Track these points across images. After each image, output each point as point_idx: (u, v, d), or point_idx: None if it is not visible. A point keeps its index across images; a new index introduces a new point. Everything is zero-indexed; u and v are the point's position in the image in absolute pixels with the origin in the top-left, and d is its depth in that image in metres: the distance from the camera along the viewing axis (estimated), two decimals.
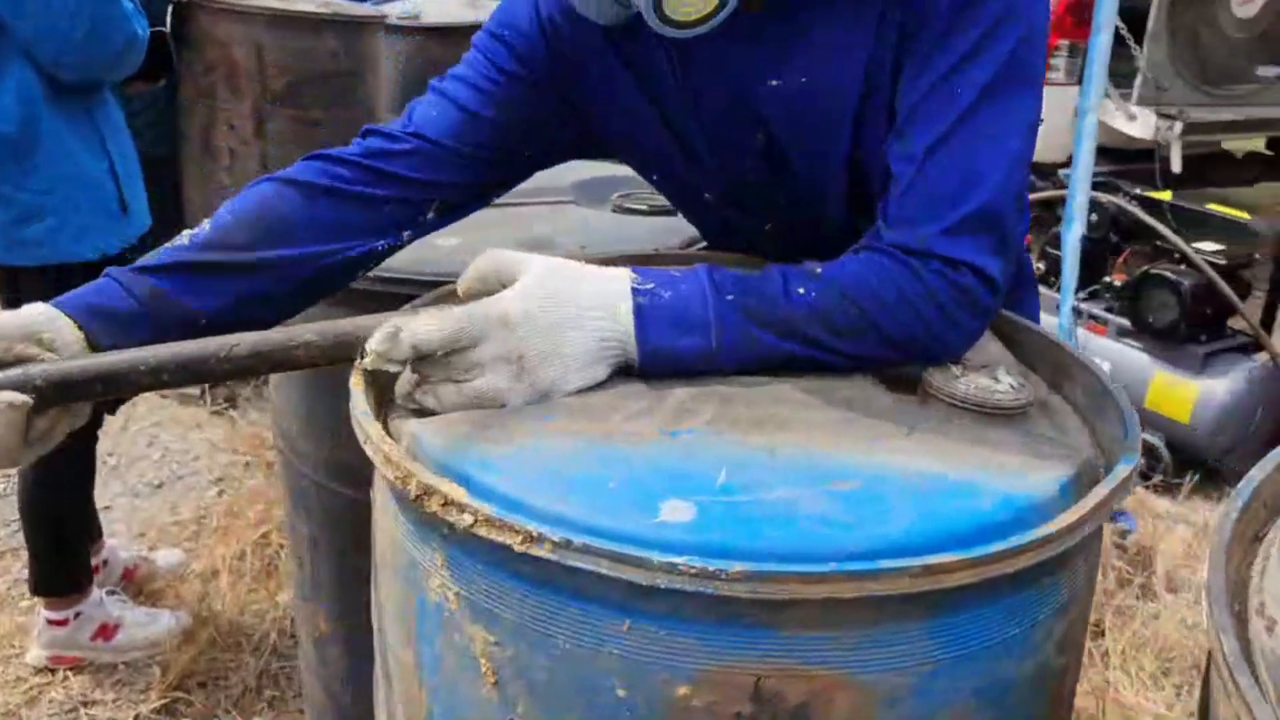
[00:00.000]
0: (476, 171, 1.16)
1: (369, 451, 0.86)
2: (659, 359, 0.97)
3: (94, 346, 0.97)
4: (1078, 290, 3.16)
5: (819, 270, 1.01)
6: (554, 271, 0.95)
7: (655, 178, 1.30)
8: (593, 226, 1.61)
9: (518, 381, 0.92)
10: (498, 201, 1.27)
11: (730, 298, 0.97)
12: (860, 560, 0.72)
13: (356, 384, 0.94)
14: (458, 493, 0.77)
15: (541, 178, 1.31)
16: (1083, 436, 0.97)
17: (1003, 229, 1.00)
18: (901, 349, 1.01)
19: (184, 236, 1.06)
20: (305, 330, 0.94)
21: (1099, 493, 0.81)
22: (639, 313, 0.95)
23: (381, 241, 1.12)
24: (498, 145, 1.16)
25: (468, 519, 0.76)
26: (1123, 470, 0.84)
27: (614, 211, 1.66)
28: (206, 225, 1.07)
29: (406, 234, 1.15)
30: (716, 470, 0.83)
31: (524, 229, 1.54)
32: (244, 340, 0.94)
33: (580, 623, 0.76)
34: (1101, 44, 2.86)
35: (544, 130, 1.19)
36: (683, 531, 0.76)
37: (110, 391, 0.92)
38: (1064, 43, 4.53)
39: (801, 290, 0.98)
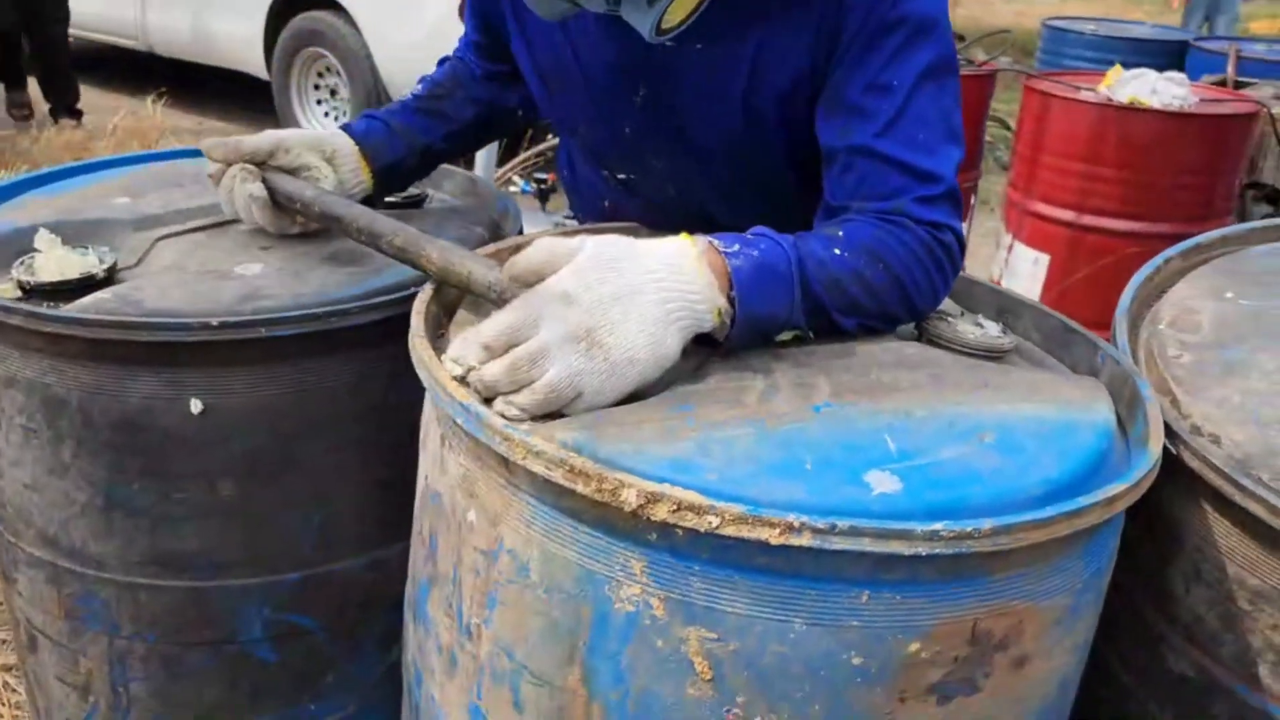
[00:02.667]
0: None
1: (536, 466, 0.78)
2: (752, 325, 0.95)
3: (364, 156, 1.34)
4: None
5: (838, 232, 1.05)
6: (611, 243, 0.93)
7: (548, 94, 1.35)
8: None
9: (589, 360, 0.87)
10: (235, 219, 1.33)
11: (801, 260, 0.99)
12: (1047, 501, 0.79)
13: (461, 394, 0.86)
14: (693, 497, 0.75)
15: None
16: (1057, 364, 1.12)
17: (957, 193, 1.13)
18: (913, 306, 1.09)
19: (409, 95, 1.44)
20: (434, 247, 1.04)
21: (1155, 416, 0.94)
22: (737, 277, 0.93)
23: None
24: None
25: (713, 520, 0.74)
26: (1146, 390, 0.98)
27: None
28: (420, 88, 1.44)
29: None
30: (880, 439, 0.87)
31: (320, 241, 1.32)
32: (401, 232, 1.09)
33: (819, 603, 0.77)
34: None
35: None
36: (904, 500, 0.80)
37: (325, 224, 1.22)
38: None
39: (838, 251, 1.02)
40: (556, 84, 1.30)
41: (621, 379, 0.88)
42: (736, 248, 0.96)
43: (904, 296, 1.07)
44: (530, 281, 0.92)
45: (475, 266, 1.01)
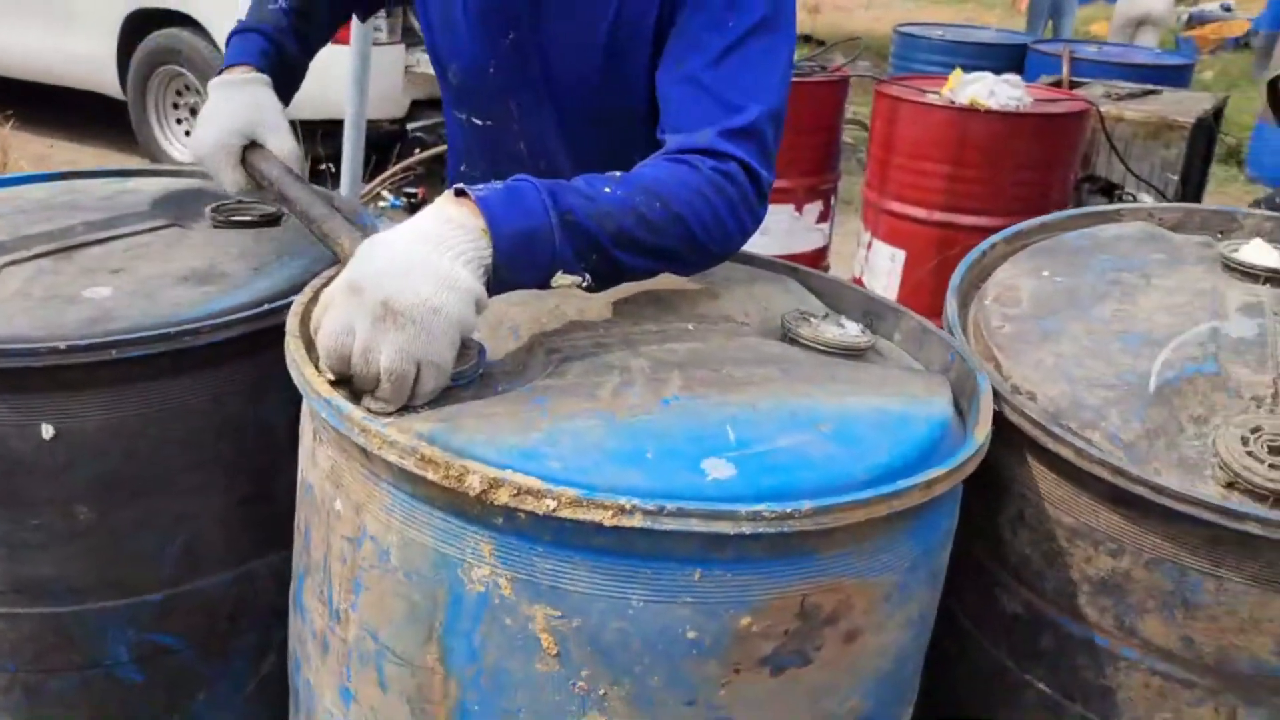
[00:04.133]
0: None
1: (392, 456, 0.83)
2: (513, 245, 0.96)
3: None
4: None
5: (618, 175, 1.08)
6: (377, 234, 0.97)
7: (429, 38, 1.42)
8: (226, 246, 1.38)
9: (401, 330, 0.89)
10: (82, 242, 1.34)
11: (553, 190, 1.00)
12: (872, 485, 0.86)
13: (329, 391, 0.90)
14: (532, 482, 0.80)
15: (117, 206, 1.47)
16: (914, 362, 1.19)
17: (765, 141, 1.18)
18: (700, 244, 1.10)
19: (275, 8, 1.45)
20: (347, 237, 1.10)
21: (986, 405, 1.02)
22: (481, 202, 0.96)
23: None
24: None
25: (550, 504, 0.79)
26: (984, 384, 1.05)
27: (217, 227, 1.46)
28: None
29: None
30: (722, 429, 0.92)
31: (168, 261, 1.32)
32: (326, 219, 1.15)
33: (654, 581, 0.83)
34: None
35: None
36: (737, 484, 0.85)
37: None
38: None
39: (608, 189, 1.04)
40: (440, 19, 1.37)
41: (437, 330, 0.90)
42: (482, 187, 0.99)
43: (687, 233, 1.08)
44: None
45: (348, 233, 1.08)
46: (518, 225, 0.97)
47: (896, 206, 3.37)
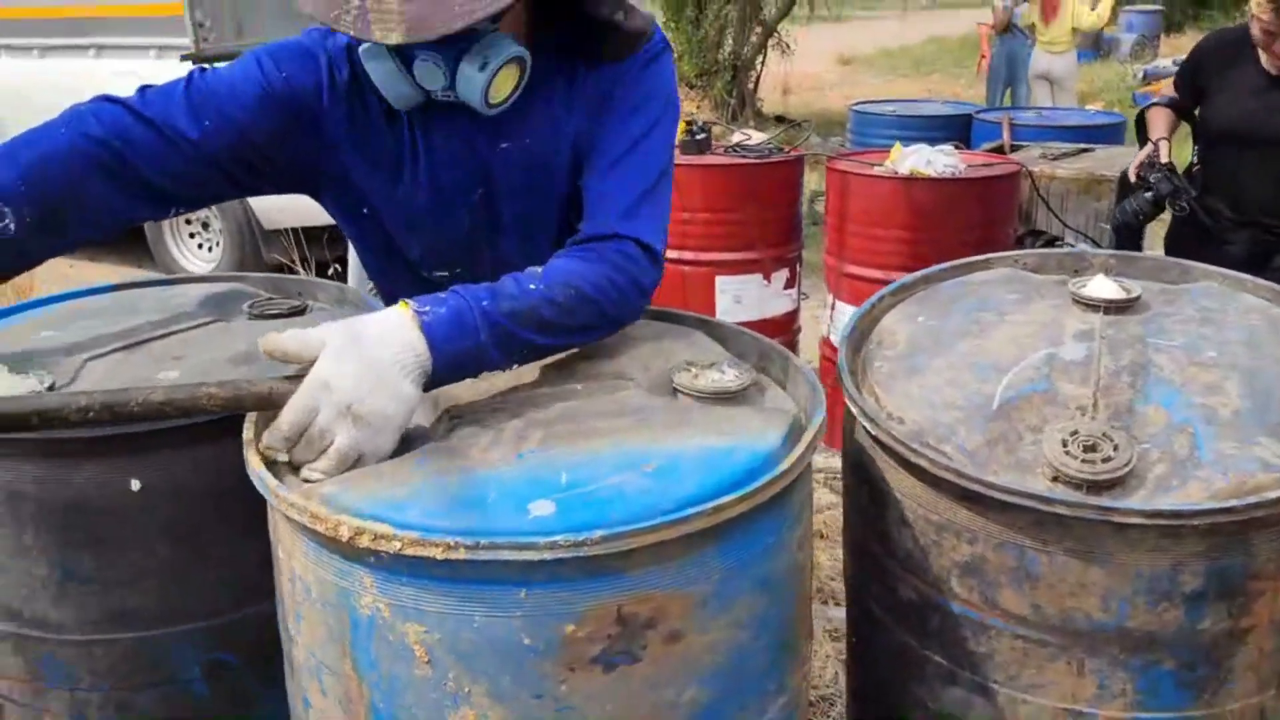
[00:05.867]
0: (210, 172, 1.27)
1: (293, 515, 0.99)
2: (449, 362, 1.10)
3: None
4: None
5: (539, 270, 1.19)
6: (344, 328, 1.08)
7: (370, 222, 1.41)
8: (264, 334, 1.41)
9: (358, 429, 1.03)
10: (145, 339, 1.44)
11: (485, 303, 1.12)
12: (673, 512, 0.96)
13: (258, 464, 1.06)
14: (384, 528, 0.93)
15: (169, 308, 1.54)
16: (788, 401, 1.27)
17: (655, 213, 1.31)
18: (608, 317, 1.23)
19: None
20: (210, 385, 1.09)
21: (807, 438, 1.11)
22: (426, 329, 1.08)
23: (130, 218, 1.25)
24: (241, 158, 1.28)
25: (397, 544, 0.92)
26: (818, 418, 1.14)
27: (254, 319, 1.63)
28: (9, 217, 1.15)
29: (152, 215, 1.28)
30: (558, 474, 1.03)
31: (221, 349, 1.49)
32: (158, 389, 1.08)
33: (489, 600, 0.94)
34: None
35: (278, 159, 1.31)
36: (552, 520, 0.96)
37: (45, 427, 1.07)
38: None
39: (532, 286, 1.16)
40: (387, 193, 1.36)
41: (385, 433, 1.06)
42: (428, 307, 1.10)
43: (599, 311, 1.21)
44: (283, 360, 1.08)
45: (254, 388, 1.12)
46: (457, 347, 1.10)
47: (855, 269, 3.49)
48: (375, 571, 0.97)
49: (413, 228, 1.40)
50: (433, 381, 1.11)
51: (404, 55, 1.22)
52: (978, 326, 1.44)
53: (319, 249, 4.55)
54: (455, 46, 1.17)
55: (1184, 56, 3.03)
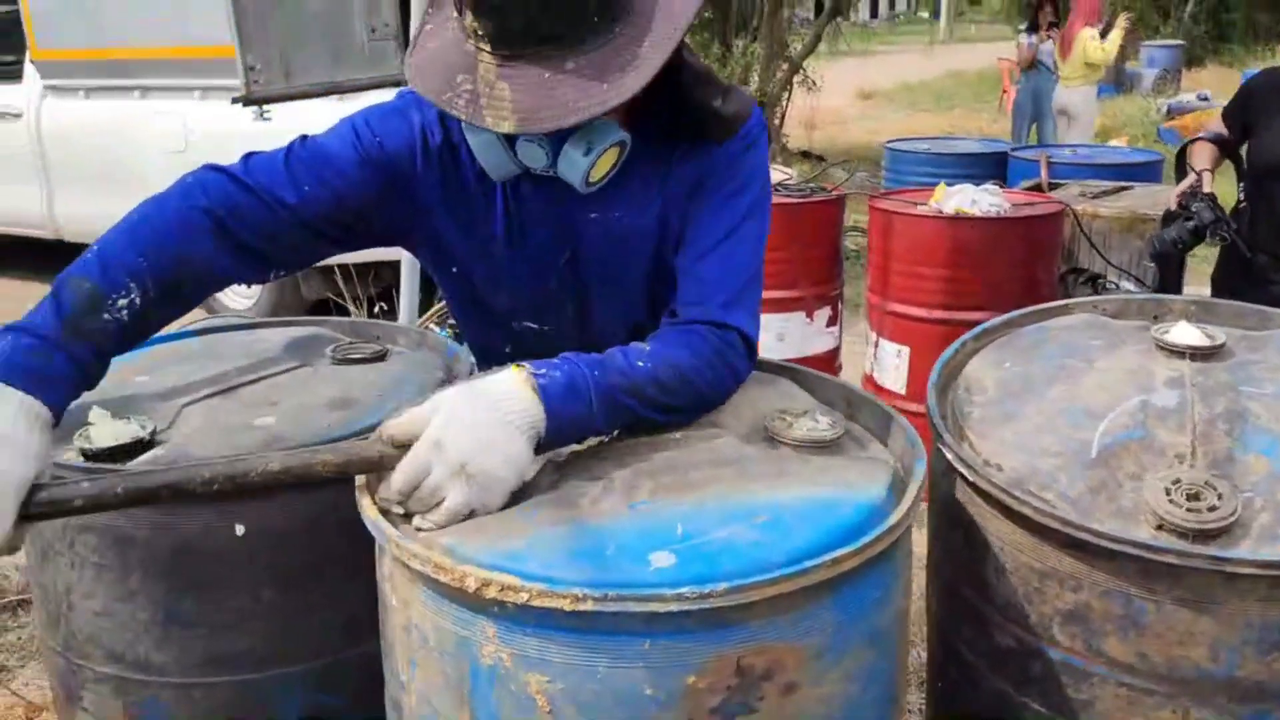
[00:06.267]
0: (311, 238, 1.30)
1: (415, 564, 1.00)
2: (561, 425, 1.11)
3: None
4: None
5: (646, 347, 1.22)
6: (457, 392, 1.11)
7: (461, 278, 1.43)
8: (350, 379, 1.61)
9: (469, 487, 1.05)
10: (237, 384, 1.49)
11: (596, 373, 1.15)
12: (789, 565, 0.97)
13: (374, 512, 1.08)
14: (511, 580, 0.95)
15: (253, 353, 1.59)
16: (883, 450, 1.28)
17: (752, 304, 1.33)
18: (705, 400, 1.26)
19: (117, 311, 1.16)
20: (323, 452, 1.11)
21: (912, 490, 1.11)
22: (542, 391, 1.10)
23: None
24: (338, 221, 1.31)
25: (524, 595, 0.94)
26: (920, 470, 1.15)
27: (336, 364, 1.66)
28: (135, 298, 1.17)
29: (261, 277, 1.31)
30: (673, 526, 1.04)
31: (311, 394, 1.53)
32: (275, 458, 1.10)
33: (613, 651, 0.96)
34: None
35: (376, 221, 1.34)
36: (673, 572, 0.97)
37: (173, 500, 1.10)
38: None
39: (639, 363, 1.19)
40: (477, 253, 1.39)
41: (495, 492, 1.07)
42: (543, 370, 1.12)
43: (696, 394, 1.24)
44: (407, 442, 1.09)
45: (365, 453, 1.14)
46: (570, 414, 1.12)
47: (899, 307, 3.50)
48: (498, 621, 0.99)
49: (500, 285, 1.43)
50: (542, 445, 1.13)
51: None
52: (1066, 372, 1.45)
53: (364, 285, 4.59)
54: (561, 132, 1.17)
55: (1205, 91, 3.05)
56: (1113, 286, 3.74)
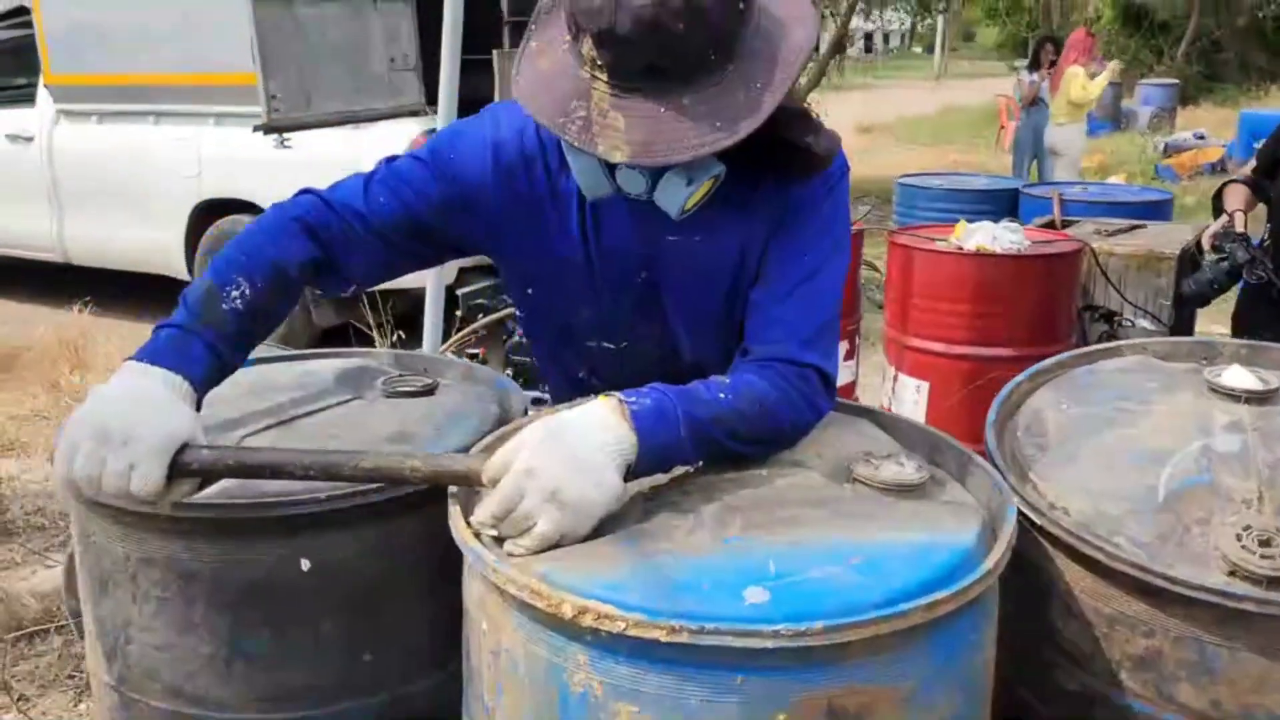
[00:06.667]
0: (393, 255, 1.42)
1: (511, 589, 1.01)
2: (652, 453, 1.13)
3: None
4: None
5: (727, 380, 1.23)
6: (547, 422, 1.13)
7: (536, 296, 1.47)
8: (405, 412, 1.60)
9: (560, 513, 1.06)
10: (294, 416, 1.53)
11: (683, 402, 1.17)
12: (887, 606, 0.97)
13: (470, 538, 1.09)
14: (608, 609, 0.95)
15: (307, 385, 1.63)
16: (966, 494, 1.28)
17: (831, 344, 1.35)
18: (784, 435, 1.27)
19: (231, 301, 1.31)
20: (415, 458, 1.19)
21: (1005, 536, 1.12)
22: (634, 418, 1.13)
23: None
24: (408, 232, 1.40)
25: (621, 625, 0.94)
26: (1011, 516, 1.16)
27: (388, 397, 1.66)
28: (245, 289, 1.32)
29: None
30: (766, 563, 1.05)
31: (371, 428, 1.52)
32: (368, 456, 1.19)
33: (705, 684, 0.96)
34: None
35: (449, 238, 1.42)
36: (769, 608, 0.98)
37: (272, 477, 1.24)
38: None
39: (722, 395, 1.20)
40: (554, 271, 1.41)
41: (586, 518, 1.08)
42: (633, 398, 1.15)
43: (777, 428, 1.26)
44: (500, 477, 1.11)
45: (454, 466, 1.19)
46: (660, 440, 1.14)
47: (919, 343, 3.49)
48: (591, 649, 0.99)
49: (576, 303, 1.45)
50: (632, 473, 1.14)
51: None
52: (1124, 415, 1.46)
53: (381, 312, 4.60)
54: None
55: (1201, 129, 3.10)
56: (1129, 324, 3.75)
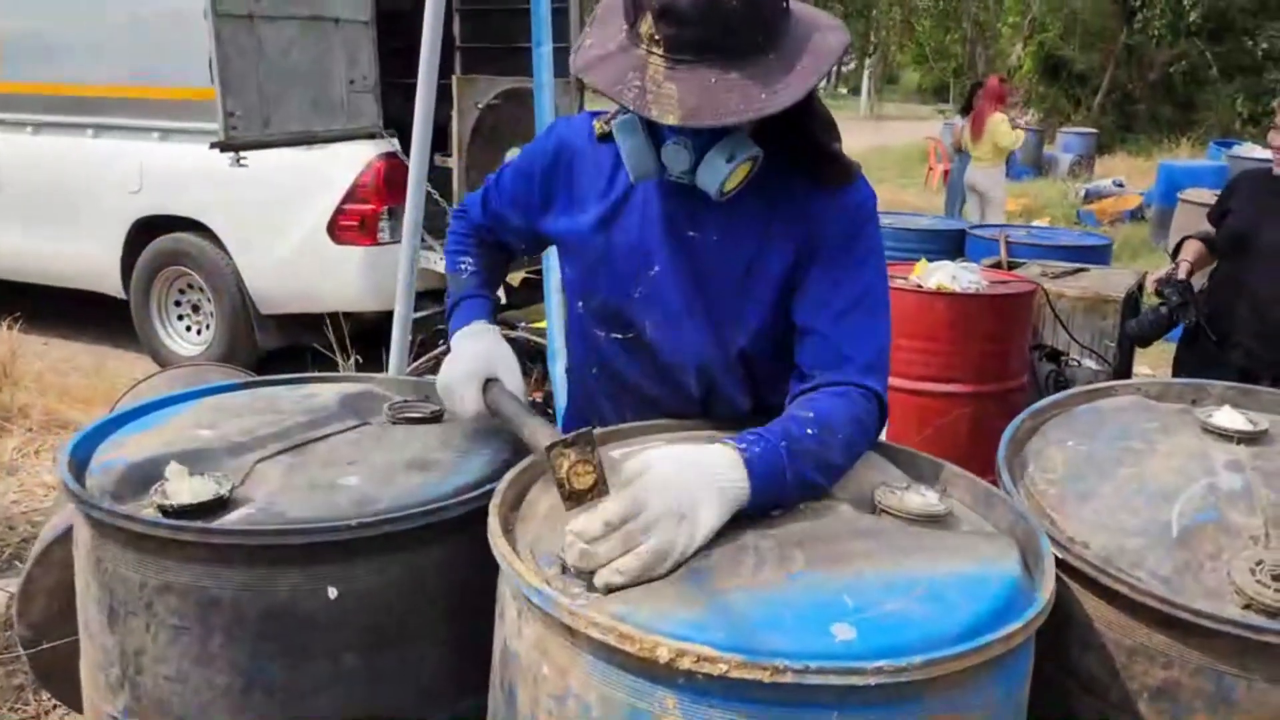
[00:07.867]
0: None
1: (594, 633, 1.01)
2: (759, 499, 1.20)
3: None
4: None
5: (809, 414, 1.29)
6: (673, 451, 1.19)
7: (570, 285, 1.61)
8: (418, 439, 1.61)
9: (679, 530, 1.10)
10: (306, 440, 1.56)
11: (785, 445, 1.23)
12: (962, 640, 1.01)
13: (538, 580, 1.08)
14: (708, 650, 0.96)
15: (312, 409, 1.70)
16: (985, 523, 1.33)
17: (886, 369, 1.41)
18: (853, 457, 1.33)
19: (469, 275, 1.72)
20: (540, 426, 1.35)
21: (1049, 568, 1.17)
22: (748, 465, 1.18)
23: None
24: (513, 229, 1.70)
25: (723, 667, 0.95)
26: (1047, 546, 1.21)
27: (395, 423, 1.67)
28: (474, 264, 1.74)
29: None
30: (840, 598, 1.07)
31: (390, 453, 1.53)
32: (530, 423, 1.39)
33: None
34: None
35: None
36: (857, 644, 1.00)
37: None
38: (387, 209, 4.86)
39: (809, 431, 1.26)
40: (593, 254, 1.51)
41: (694, 545, 1.12)
42: (745, 445, 1.20)
43: (854, 456, 1.32)
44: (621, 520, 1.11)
45: (541, 442, 1.26)
46: (769, 490, 1.21)
47: None
48: (681, 693, 0.99)
49: (591, 285, 1.55)
50: (739, 514, 1.20)
51: (656, 137, 1.35)
52: (1131, 453, 1.52)
53: (317, 334, 4.51)
54: (707, 137, 1.30)
55: (1120, 177, 3.32)
56: (1075, 363, 3.88)
